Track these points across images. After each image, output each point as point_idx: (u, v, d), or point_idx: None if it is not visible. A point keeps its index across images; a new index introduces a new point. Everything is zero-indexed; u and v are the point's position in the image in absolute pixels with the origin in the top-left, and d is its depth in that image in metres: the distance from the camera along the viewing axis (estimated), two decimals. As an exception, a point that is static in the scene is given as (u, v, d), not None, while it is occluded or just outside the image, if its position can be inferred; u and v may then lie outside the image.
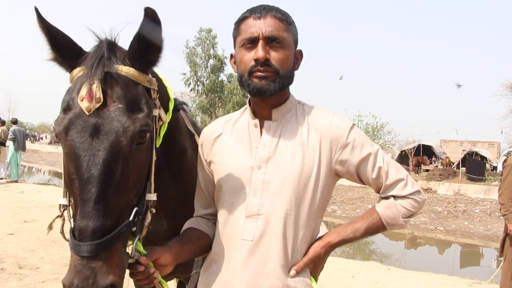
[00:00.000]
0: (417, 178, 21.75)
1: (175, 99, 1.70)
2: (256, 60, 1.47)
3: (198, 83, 37.13)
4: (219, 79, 37.15)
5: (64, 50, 1.31)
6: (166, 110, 1.57)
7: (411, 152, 29.55)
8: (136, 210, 1.29)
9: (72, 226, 1.21)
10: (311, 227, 1.54)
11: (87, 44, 1.34)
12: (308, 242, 1.54)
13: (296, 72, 1.60)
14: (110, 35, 1.34)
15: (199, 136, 1.84)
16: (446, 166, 26.48)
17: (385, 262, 9.07)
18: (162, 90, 1.56)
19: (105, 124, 1.20)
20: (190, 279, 1.90)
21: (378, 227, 1.55)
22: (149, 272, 1.36)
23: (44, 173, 27.45)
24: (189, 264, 1.82)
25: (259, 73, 1.48)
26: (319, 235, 1.59)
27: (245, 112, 1.67)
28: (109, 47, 1.30)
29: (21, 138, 14.97)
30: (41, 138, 59.48)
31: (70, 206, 1.29)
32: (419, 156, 29.09)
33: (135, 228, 1.29)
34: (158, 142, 1.49)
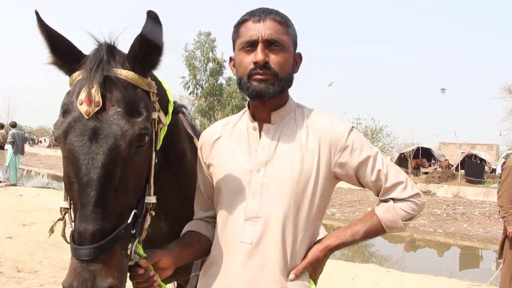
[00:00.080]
0: (416, 181, 21.75)
1: (174, 102, 1.70)
2: (255, 63, 1.47)
3: (197, 86, 37.18)
4: (218, 82, 37.22)
5: (64, 53, 1.31)
6: (166, 113, 1.57)
7: (410, 155, 29.58)
8: (135, 213, 1.29)
9: (72, 229, 1.22)
10: (310, 230, 1.54)
11: (87, 47, 1.35)
12: (307, 245, 1.54)
13: (295, 74, 1.60)
14: (109, 39, 1.34)
15: (198, 139, 1.84)
16: (445, 169, 26.47)
17: (384, 265, 9.06)
18: (162, 92, 1.56)
19: (104, 128, 1.20)
20: (189, 281, 1.90)
21: (378, 230, 1.55)
22: (149, 275, 1.36)
23: (43, 176, 27.40)
24: (188, 267, 1.82)
25: (259, 76, 1.48)
26: (318, 238, 1.59)
27: (244, 115, 1.68)
28: (108, 50, 1.31)
29: (20, 142, 14.97)
30: (40, 142, 59.39)
31: (71, 209, 1.29)
32: (418, 159, 29.16)
33: (134, 230, 1.29)
34: (159, 145, 1.50)
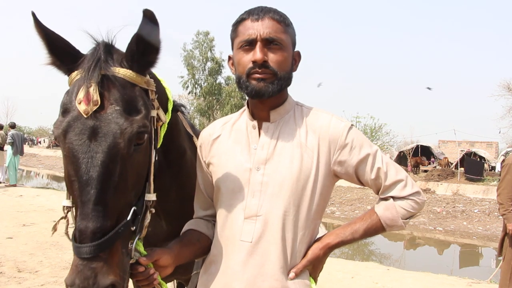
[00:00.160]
0: (416, 179, 21.76)
1: (173, 101, 1.70)
2: (254, 62, 1.47)
3: (196, 85, 37.20)
4: (217, 81, 37.25)
5: (62, 53, 1.31)
6: (165, 111, 1.58)
7: (409, 153, 29.59)
8: (135, 210, 1.30)
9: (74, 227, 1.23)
10: (310, 228, 1.54)
11: (86, 47, 1.35)
12: (307, 243, 1.54)
13: (295, 74, 1.61)
14: (107, 37, 1.34)
15: (197, 138, 1.84)
16: (445, 167, 26.51)
17: (384, 263, 9.08)
18: (161, 90, 1.57)
19: (102, 127, 1.21)
20: (191, 280, 1.90)
21: (377, 229, 1.55)
22: (149, 273, 1.37)
23: (42, 177, 27.40)
24: (188, 266, 1.82)
25: (257, 75, 1.48)
26: (318, 236, 1.59)
27: (244, 114, 1.68)
28: (106, 49, 1.31)
29: (19, 142, 14.98)
30: (39, 142, 59.37)
31: (73, 208, 1.30)
32: (418, 157, 29.16)
33: (134, 227, 1.30)
34: (159, 143, 1.50)
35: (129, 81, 1.30)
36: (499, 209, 4.72)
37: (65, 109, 1.25)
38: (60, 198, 11.52)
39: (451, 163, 27.86)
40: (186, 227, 1.69)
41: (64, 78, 1.35)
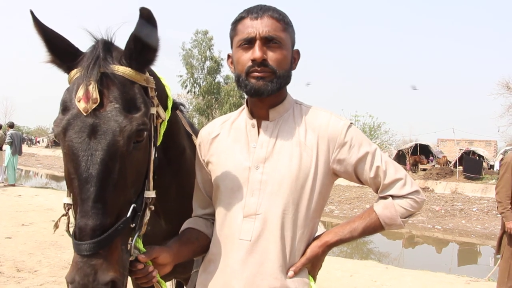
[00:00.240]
0: (415, 177, 21.78)
1: (172, 100, 1.71)
2: (253, 60, 1.47)
3: (195, 85, 37.19)
4: (216, 80, 37.22)
5: (61, 52, 1.32)
6: (165, 108, 1.58)
7: (408, 152, 29.59)
8: (134, 207, 1.30)
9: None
10: (309, 227, 1.54)
11: (84, 45, 1.35)
12: (306, 242, 1.54)
13: (295, 74, 1.61)
14: (106, 35, 1.35)
15: (196, 137, 1.84)
16: (443, 165, 26.53)
17: (383, 261, 9.10)
18: (160, 88, 1.57)
19: (102, 124, 1.21)
20: (190, 278, 1.91)
21: (376, 227, 1.54)
22: (148, 271, 1.37)
23: (41, 176, 27.38)
24: (188, 265, 1.82)
25: (257, 74, 1.48)
26: (317, 234, 1.60)
27: (243, 112, 1.68)
28: (105, 47, 1.31)
29: (18, 142, 14.96)
30: (38, 142, 59.29)
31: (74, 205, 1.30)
32: (416, 156, 29.17)
33: (134, 224, 1.30)
34: (159, 140, 1.51)
35: (128, 79, 1.30)
36: (497, 207, 4.73)
37: (65, 107, 1.25)
38: (59, 197, 11.52)
39: (450, 162, 27.90)
40: (185, 225, 1.70)
41: (64, 77, 1.36)
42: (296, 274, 1.49)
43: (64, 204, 1.32)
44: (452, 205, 16.19)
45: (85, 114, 1.21)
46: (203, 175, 1.73)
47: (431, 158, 32.51)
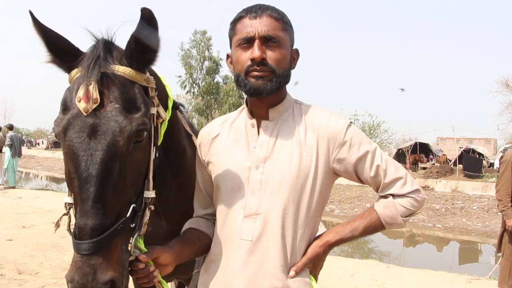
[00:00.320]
0: (415, 176, 21.79)
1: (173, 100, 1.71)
2: (252, 59, 1.47)
3: (194, 85, 37.09)
4: (215, 80, 37.13)
5: (62, 52, 1.32)
6: (165, 108, 1.58)
7: (408, 150, 29.56)
8: (134, 207, 1.30)
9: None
10: (310, 226, 1.54)
11: (85, 45, 1.35)
12: (307, 241, 1.54)
13: (295, 73, 1.61)
14: (106, 35, 1.35)
15: (196, 137, 1.84)
16: (443, 164, 26.50)
17: (384, 260, 9.10)
18: (160, 88, 1.57)
19: (102, 124, 1.22)
20: (192, 278, 1.91)
21: (377, 226, 1.54)
22: (149, 270, 1.37)
23: (41, 178, 27.37)
24: (189, 265, 1.82)
25: (256, 73, 1.48)
26: (317, 234, 1.59)
27: (242, 112, 1.68)
28: (105, 47, 1.31)
29: (18, 144, 14.96)
30: (38, 144, 59.30)
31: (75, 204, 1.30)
32: (416, 154, 29.15)
33: (133, 224, 1.30)
34: (159, 140, 1.51)
35: (129, 79, 1.30)
36: (498, 205, 4.73)
37: (65, 107, 1.26)
38: (59, 199, 11.52)
39: (450, 160, 27.88)
40: (186, 226, 1.70)
41: (64, 77, 1.36)
42: (297, 274, 1.48)
43: (65, 203, 1.32)
44: (453, 204, 16.18)
45: (85, 114, 1.21)
46: (203, 175, 1.73)
47: (431, 156, 32.51)
